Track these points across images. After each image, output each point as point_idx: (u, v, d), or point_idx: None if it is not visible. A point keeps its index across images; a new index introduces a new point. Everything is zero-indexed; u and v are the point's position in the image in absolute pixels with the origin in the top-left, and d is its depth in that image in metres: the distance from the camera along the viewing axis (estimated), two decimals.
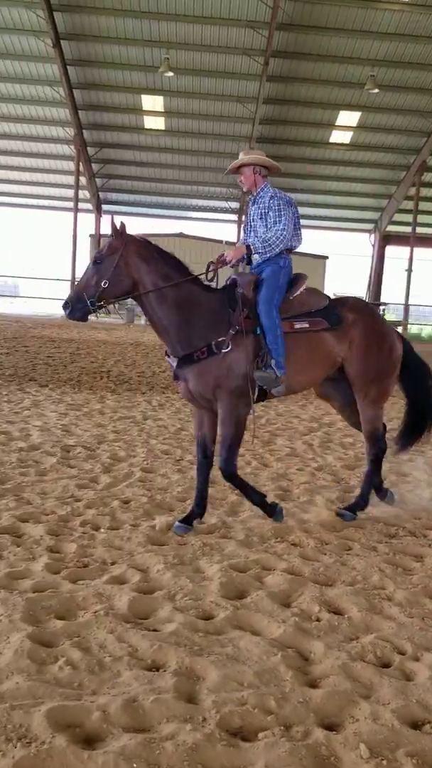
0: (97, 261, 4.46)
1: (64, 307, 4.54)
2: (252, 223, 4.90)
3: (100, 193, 36.47)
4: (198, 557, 4.05)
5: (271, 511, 4.69)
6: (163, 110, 30.69)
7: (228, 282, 4.73)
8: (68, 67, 27.76)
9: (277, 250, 4.65)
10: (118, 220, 4.50)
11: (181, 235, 37.69)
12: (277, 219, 4.67)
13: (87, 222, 36.65)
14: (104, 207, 37.69)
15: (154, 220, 41.96)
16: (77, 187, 31.83)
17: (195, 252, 36.94)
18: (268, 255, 4.68)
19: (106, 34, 26.38)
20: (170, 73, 26.69)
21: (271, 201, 4.73)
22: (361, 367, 4.82)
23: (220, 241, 37.20)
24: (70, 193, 33.55)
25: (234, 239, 35.23)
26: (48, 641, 2.98)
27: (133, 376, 12.08)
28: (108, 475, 5.72)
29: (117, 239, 4.46)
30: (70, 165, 33.09)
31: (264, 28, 25.02)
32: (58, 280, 40.06)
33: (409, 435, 5.33)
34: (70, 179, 33.46)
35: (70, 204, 33.70)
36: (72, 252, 32.81)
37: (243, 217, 33.88)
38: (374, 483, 5.11)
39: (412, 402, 5.30)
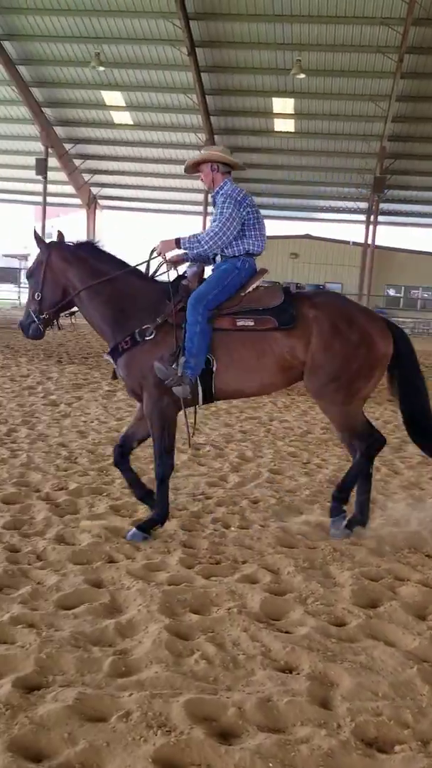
0: (29, 276, 4.49)
1: (20, 329, 4.56)
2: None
3: None
4: (328, 562, 4.00)
5: (147, 529, 4.20)
6: (293, 112, 30.65)
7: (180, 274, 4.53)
8: (202, 73, 28.35)
9: (206, 246, 4.37)
10: (39, 230, 4.51)
11: (307, 236, 37.50)
12: (216, 217, 4.43)
13: None
14: None
15: (281, 222, 41.97)
16: (207, 191, 32.43)
17: (321, 253, 36.68)
18: (195, 251, 4.42)
19: (239, 39, 26.69)
20: (302, 75, 26.59)
21: (220, 199, 4.46)
22: (316, 366, 4.27)
23: (347, 242, 36.66)
24: (200, 197, 34.24)
25: (362, 240, 34.64)
26: (184, 634, 3.06)
27: None
28: (236, 474, 5.78)
29: (41, 249, 4.46)
30: None
31: (399, 24, 24.36)
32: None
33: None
34: (199, 183, 34.09)
35: (199, 208, 34.41)
36: None
37: (371, 217, 33.23)
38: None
39: (407, 415, 4.58)
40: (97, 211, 40.24)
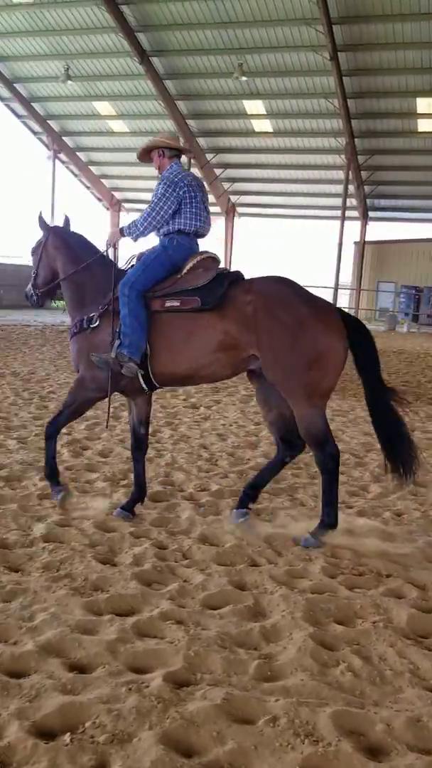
0: (31, 253, 4.79)
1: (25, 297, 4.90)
2: None
3: (367, 200, 36.30)
4: None
5: (53, 487, 4.52)
6: None
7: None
8: (344, 77, 28.04)
9: (141, 229, 4.42)
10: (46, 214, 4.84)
11: None
12: (152, 199, 4.38)
13: (352, 230, 36.65)
14: (370, 214, 37.43)
15: (423, 225, 40.54)
16: (345, 195, 31.99)
17: None
18: (134, 235, 4.44)
19: (383, 40, 26.14)
20: None
21: (158, 182, 4.46)
22: (268, 356, 4.08)
23: None
24: (337, 201, 33.83)
25: None
26: (329, 644, 3.02)
27: (397, 386, 11.76)
28: (378, 484, 5.64)
29: (43, 231, 4.70)
30: (339, 174, 33.37)
31: None
32: (323, 287, 40.72)
33: (393, 461, 4.35)
34: (338, 188, 33.74)
35: (336, 213, 33.99)
36: (337, 259, 33.07)
37: None
38: (332, 499, 4.18)
39: (373, 414, 4.45)
40: (235, 219, 40.85)
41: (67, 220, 4.87)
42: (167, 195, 4.38)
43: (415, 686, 2.75)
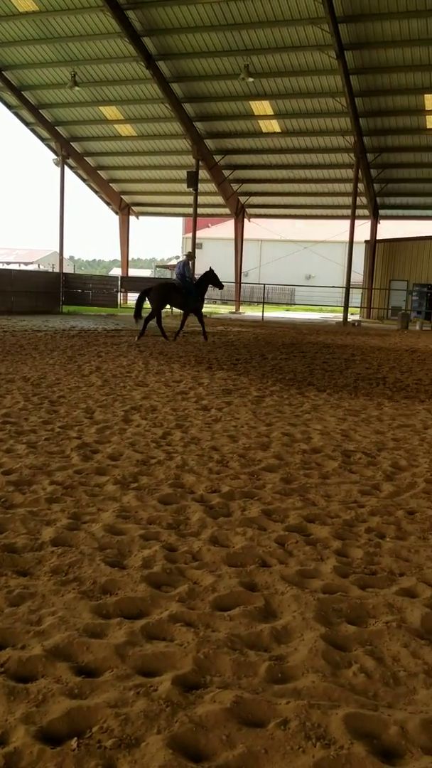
0: None
1: None
2: None
3: (377, 198, 36.15)
4: None
5: None
6: None
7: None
8: (350, 76, 27.96)
9: None
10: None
11: None
12: None
13: (362, 229, 36.49)
14: (381, 212, 37.27)
15: None
16: (355, 193, 31.89)
17: None
18: None
19: (389, 38, 26.06)
20: None
21: None
22: None
23: None
24: (347, 200, 33.73)
25: None
26: (341, 645, 2.97)
27: (410, 384, 11.69)
28: (390, 483, 5.58)
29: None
30: (348, 173, 33.29)
31: None
32: (332, 287, 40.58)
33: None
34: (348, 187, 33.64)
35: (346, 211, 33.89)
36: (348, 258, 32.94)
37: None
38: None
39: None
40: (245, 219, 40.81)
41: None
42: None
43: (429, 687, 2.70)
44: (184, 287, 17.99)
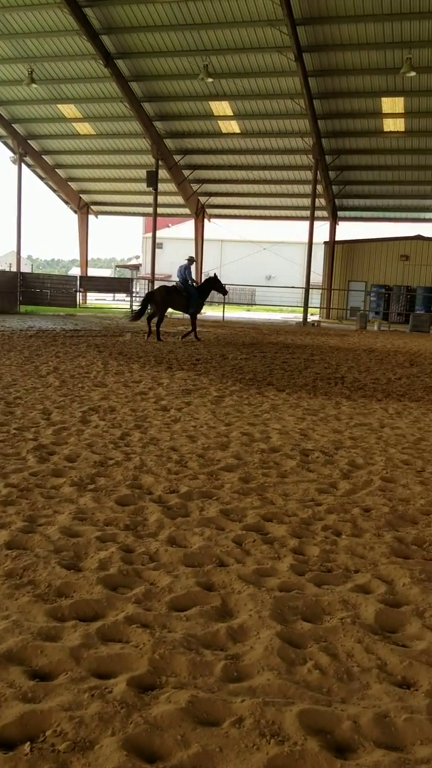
0: None
1: None
2: None
3: (336, 200, 36.56)
4: None
5: None
6: (403, 111, 29.91)
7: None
8: (309, 78, 28.22)
9: None
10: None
11: (418, 237, 36.41)
12: None
13: (321, 230, 36.88)
14: (339, 214, 37.70)
15: (391, 224, 40.99)
16: (314, 195, 32.20)
17: None
18: None
19: (347, 41, 26.39)
20: (412, 73, 25.91)
21: None
22: None
23: None
24: (306, 201, 34.04)
25: None
26: (296, 642, 3.00)
27: (367, 383, 11.86)
28: (347, 481, 5.65)
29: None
30: (308, 174, 33.59)
31: None
32: (293, 287, 40.88)
33: None
34: (307, 188, 33.96)
35: (306, 213, 34.19)
36: (307, 260, 33.22)
37: None
38: None
39: None
40: (205, 219, 40.85)
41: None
42: None
43: (382, 682, 2.74)
44: (186, 291, 18.27)
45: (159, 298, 17.98)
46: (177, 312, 20.17)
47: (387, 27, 25.32)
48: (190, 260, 18.85)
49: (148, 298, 18.45)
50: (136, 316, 18.70)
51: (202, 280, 22.09)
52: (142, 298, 19.27)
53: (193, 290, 18.48)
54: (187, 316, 19.73)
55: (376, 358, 16.45)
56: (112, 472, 5.50)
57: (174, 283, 19.29)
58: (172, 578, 3.57)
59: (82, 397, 8.82)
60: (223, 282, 19.14)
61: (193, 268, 18.98)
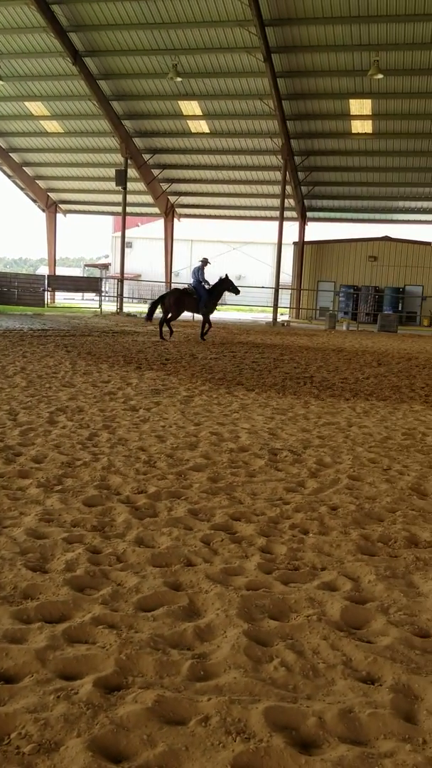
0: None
1: None
2: None
3: (305, 200, 36.79)
4: (411, 572, 3.88)
5: None
6: (371, 113, 30.23)
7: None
8: (278, 79, 28.35)
9: None
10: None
11: (386, 238, 36.83)
12: None
13: (291, 230, 37.09)
14: (308, 214, 37.95)
15: (359, 225, 41.39)
16: (283, 195, 32.36)
17: (401, 255, 35.90)
18: None
19: (315, 42, 26.59)
20: (380, 76, 26.20)
21: None
22: None
23: (428, 243, 35.74)
24: (276, 202, 34.19)
25: None
26: (263, 640, 3.02)
27: (336, 382, 11.96)
28: (315, 480, 5.70)
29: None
30: (277, 175, 33.75)
31: None
32: (262, 287, 41.03)
33: None
34: (276, 188, 34.12)
35: (275, 213, 34.34)
36: (276, 260, 33.38)
37: None
38: None
39: None
40: (175, 219, 40.79)
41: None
42: None
43: (347, 678, 2.77)
44: (197, 292, 18.37)
45: (170, 302, 18.27)
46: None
47: (355, 29, 25.57)
48: (204, 261, 18.93)
49: (160, 301, 18.65)
50: (148, 317, 19.24)
51: (171, 280, 22.16)
52: (151, 300, 19.69)
53: (203, 291, 18.63)
54: (198, 317, 20.05)
55: (345, 358, 16.60)
56: (79, 473, 5.46)
57: (173, 285, 19.57)
58: (140, 579, 3.56)
59: (50, 398, 8.75)
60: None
61: (204, 269, 19.04)
